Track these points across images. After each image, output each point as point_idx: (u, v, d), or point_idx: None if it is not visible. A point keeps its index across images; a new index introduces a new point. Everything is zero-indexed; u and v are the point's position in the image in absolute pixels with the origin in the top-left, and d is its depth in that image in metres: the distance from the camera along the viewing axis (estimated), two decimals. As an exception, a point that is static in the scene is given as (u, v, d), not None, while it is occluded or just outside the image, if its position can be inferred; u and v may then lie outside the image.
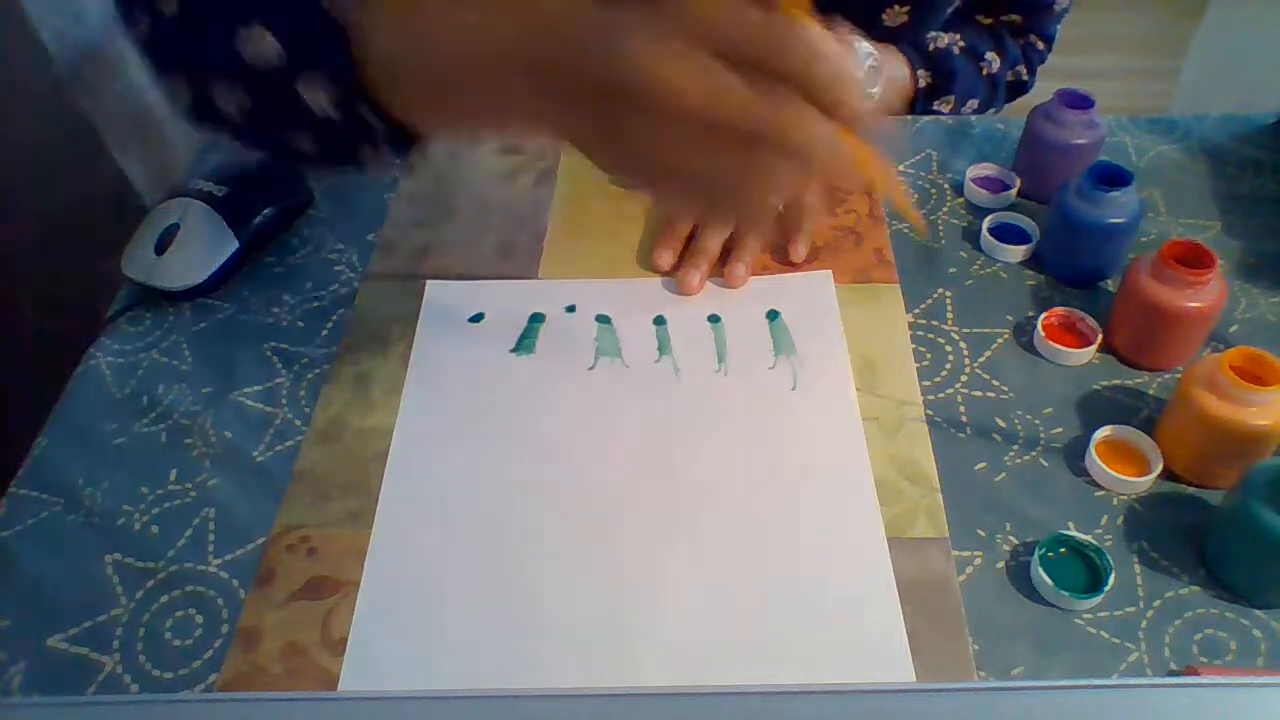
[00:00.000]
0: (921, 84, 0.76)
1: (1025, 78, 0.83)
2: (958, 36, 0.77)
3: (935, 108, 0.79)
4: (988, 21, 0.81)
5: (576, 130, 0.39)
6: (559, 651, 0.46)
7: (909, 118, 0.77)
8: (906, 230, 0.66)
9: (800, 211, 0.65)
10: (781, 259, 0.64)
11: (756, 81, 0.34)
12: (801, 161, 0.36)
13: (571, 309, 0.62)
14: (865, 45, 0.71)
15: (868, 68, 0.71)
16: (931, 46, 0.76)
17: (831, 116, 0.35)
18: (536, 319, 0.61)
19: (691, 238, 0.64)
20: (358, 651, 0.46)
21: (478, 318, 0.61)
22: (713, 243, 0.63)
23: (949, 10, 0.75)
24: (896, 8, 0.71)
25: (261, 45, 0.43)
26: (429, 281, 0.64)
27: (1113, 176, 0.59)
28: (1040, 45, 0.83)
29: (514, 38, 0.38)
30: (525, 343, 0.60)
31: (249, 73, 0.44)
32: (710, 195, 0.39)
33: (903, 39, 0.75)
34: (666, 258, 0.63)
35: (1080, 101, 0.65)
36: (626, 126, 0.36)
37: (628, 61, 0.34)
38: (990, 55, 0.79)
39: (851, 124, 0.36)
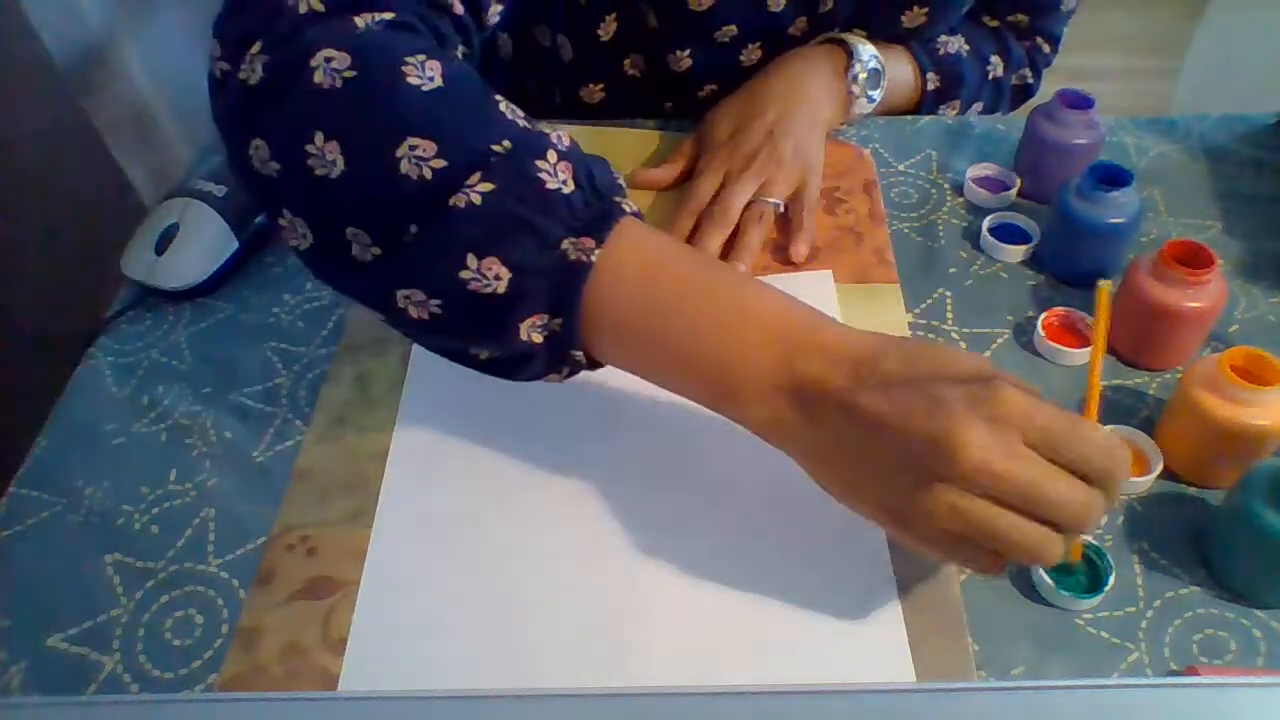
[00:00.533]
0: (930, 87, 0.76)
1: (1030, 81, 0.83)
2: (963, 39, 0.77)
3: (940, 111, 0.79)
4: (994, 23, 0.81)
5: (822, 455, 0.43)
6: (559, 651, 0.46)
7: (909, 117, 0.77)
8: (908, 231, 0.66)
9: (801, 211, 0.65)
10: (782, 259, 0.64)
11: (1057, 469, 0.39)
12: (1063, 532, 0.39)
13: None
14: (869, 48, 0.71)
15: (870, 70, 0.71)
16: (941, 50, 0.76)
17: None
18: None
19: (693, 234, 0.64)
20: (358, 651, 0.46)
21: None
22: (715, 241, 0.63)
23: (964, 10, 0.75)
24: (916, 9, 0.71)
25: (490, 275, 0.42)
26: None
27: (1113, 176, 0.59)
28: (1046, 48, 0.83)
29: (782, 363, 0.42)
30: (525, 343, 0.60)
31: (460, 294, 0.43)
32: (964, 556, 0.41)
33: (918, 39, 0.75)
34: None
35: (1080, 101, 0.65)
36: (905, 476, 0.39)
37: (953, 434, 0.38)
38: (995, 59, 0.79)
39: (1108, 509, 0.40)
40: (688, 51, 0.71)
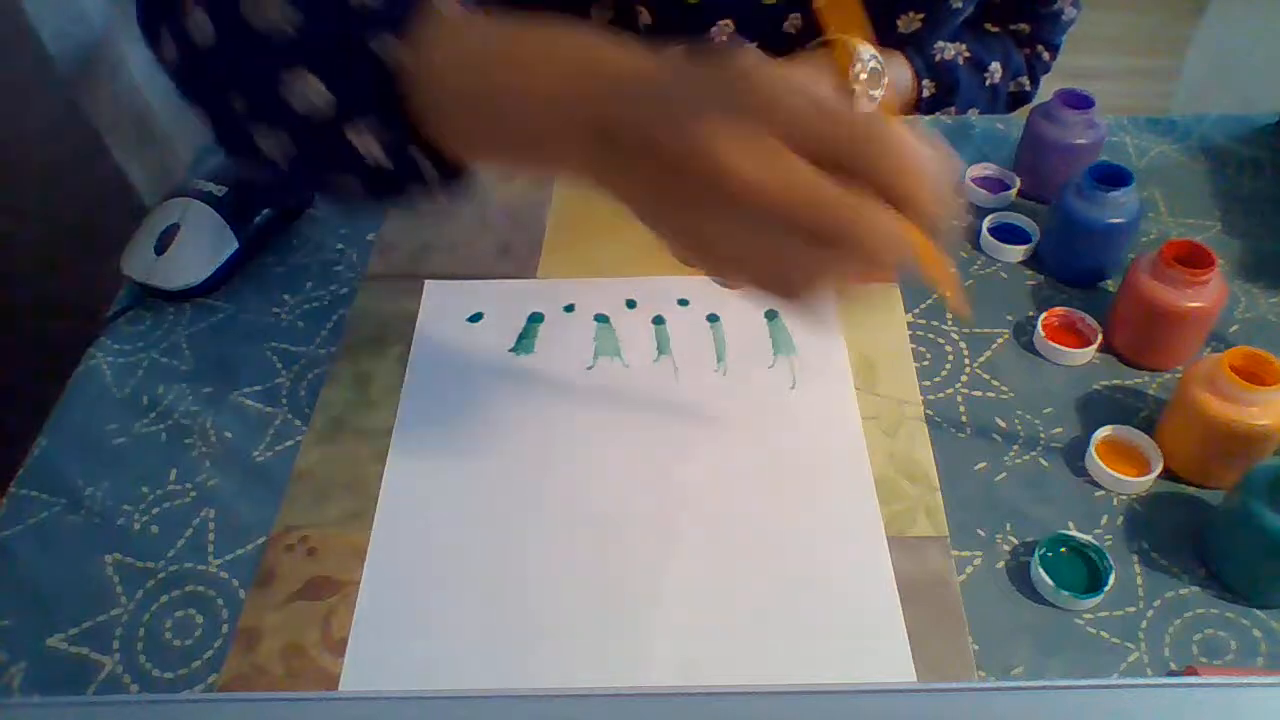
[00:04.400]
0: (926, 93, 0.76)
1: (1028, 89, 0.84)
2: (963, 46, 0.77)
3: (937, 118, 0.79)
4: (995, 29, 0.81)
5: (637, 197, 0.39)
6: (558, 651, 0.46)
7: (909, 118, 0.77)
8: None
9: None
10: None
11: (832, 176, 0.33)
12: (868, 260, 0.35)
13: (570, 308, 0.62)
14: (869, 48, 0.71)
15: (870, 70, 0.71)
16: (938, 57, 0.76)
17: (906, 215, 0.35)
18: (535, 319, 0.61)
19: None
20: (358, 652, 0.46)
21: (476, 317, 0.61)
22: None
23: (961, 19, 0.75)
24: (911, 14, 0.71)
25: (309, 91, 0.42)
26: (428, 281, 0.64)
27: (1113, 176, 0.59)
28: (1046, 55, 0.83)
29: (580, 100, 0.38)
30: (524, 342, 0.60)
31: (293, 117, 0.43)
32: (766, 281, 0.38)
33: (914, 45, 0.75)
34: None
35: (1080, 101, 0.65)
36: (688, 204, 0.36)
37: (703, 143, 0.33)
38: (994, 66, 0.79)
39: (924, 224, 0.35)
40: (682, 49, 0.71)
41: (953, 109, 0.78)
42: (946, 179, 0.35)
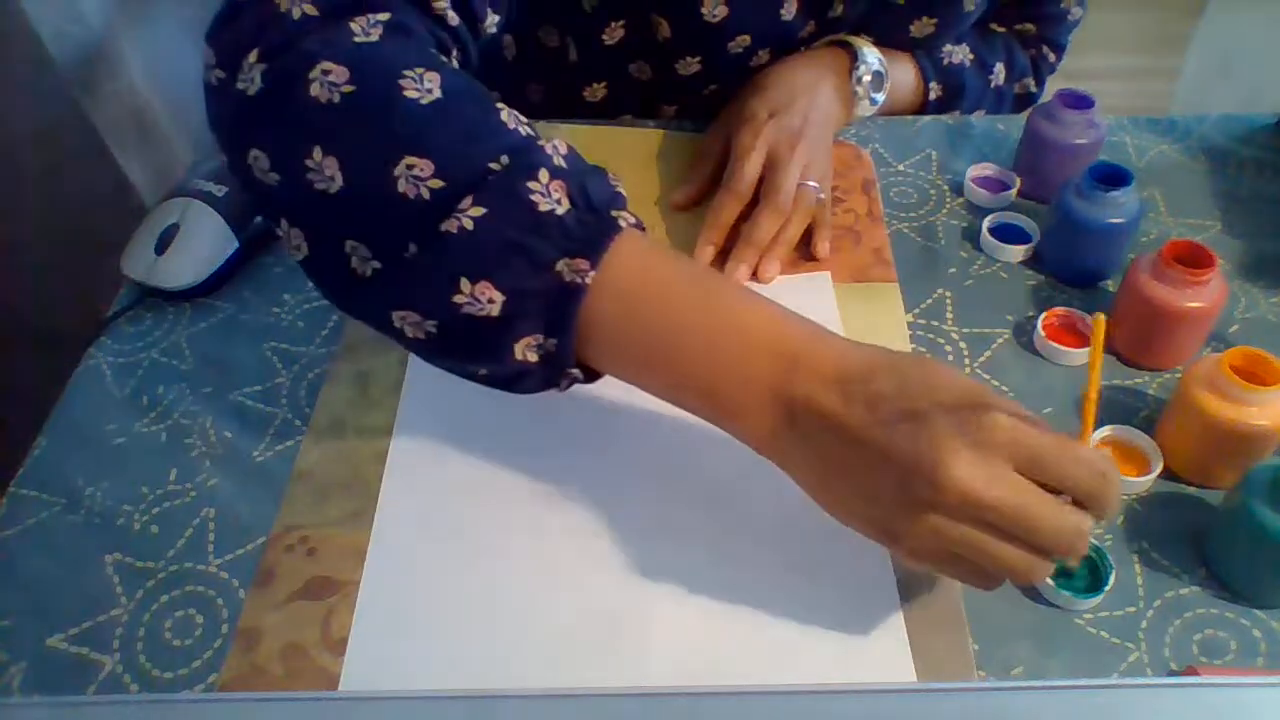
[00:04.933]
0: (932, 96, 0.76)
1: (1033, 90, 0.84)
2: (968, 49, 0.77)
3: (937, 118, 0.79)
4: (1000, 29, 0.81)
5: (808, 466, 0.43)
6: (559, 651, 0.46)
7: (909, 118, 0.77)
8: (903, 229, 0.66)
9: (822, 207, 0.65)
10: (804, 254, 0.64)
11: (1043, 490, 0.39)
12: (1055, 553, 0.39)
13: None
14: (874, 51, 0.71)
15: (873, 74, 0.71)
16: (946, 61, 0.76)
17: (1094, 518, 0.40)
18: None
19: (743, 217, 0.64)
20: (358, 652, 0.46)
21: None
22: (771, 227, 0.63)
23: (973, 21, 0.75)
24: (925, 19, 0.71)
25: (483, 298, 0.42)
26: None
27: (1113, 176, 0.59)
28: (1051, 56, 0.83)
29: (774, 382, 0.42)
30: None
31: (455, 316, 0.42)
32: (955, 570, 0.41)
33: (925, 48, 0.75)
34: (709, 252, 0.63)
35: (1080, 101, 0.65)
36: (893, 502, 0.39)
37: (938, 461, 0.37)
38: (998, 67, 0.79)
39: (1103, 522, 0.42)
40: (698, 58, 0.71)
41: (958, 111, 0.79)
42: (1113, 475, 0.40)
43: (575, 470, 0.53)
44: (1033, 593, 0.47)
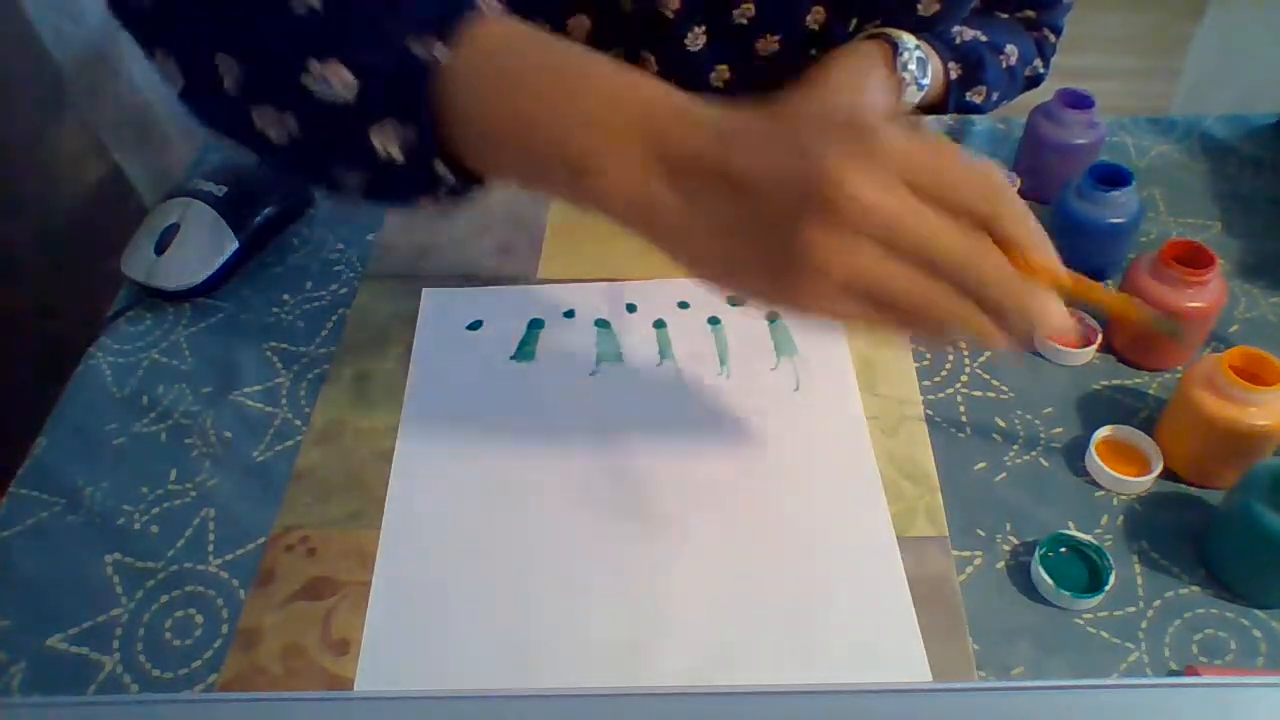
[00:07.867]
0: (953, 75, 0.76)
1: (1041, 70, 0.85)
2: (978, 31, 0.78)
3: (968, 99, 0.79)
4: (1004, 17, 0.82)
5: (686, 226, 0.39)
6: (568, 651, 0.46)
7: (909, 118, 0.77)
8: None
9: None
10: None
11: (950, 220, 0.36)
12: (985, 306, 0.36)
13: (570, 314, 0.62)
14: (911, 38, 0.71)
15: (916, 60, 0.71)
16: (958, 39, 0.77)
17: (1018, 267, 0.36)
18: (536, 325, 0.61)
19: None
20: (371, 655, 0.46)
21: (476, 325, 0.61)
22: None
23: (975, 1, 0.75)
24: None
25: (334, 80, 0.40)
26: (425, 289, 0.63)
27: (1113, 176, 0.59)
28: (1052, 38, 0.85)
29: (636, 128, 0.38)
30: (525, 350, 0.60)
31: (308, 102, 0.41)
32: (891, 320, 0.38)
33: (932, 29, 0.75)
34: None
35: (1080, 101, 0.65)
36: (785, 235, 0.36)
37: (830, 169, 0.35)
38: (1009, 48, 0.80)
39: (1038, 277, 0.37)
40: (703, 29, 0.71)
41: (984, 88, 0.78)
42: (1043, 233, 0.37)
43: (582, 470, 0.53)
44: (1033, 593, 0.47)
